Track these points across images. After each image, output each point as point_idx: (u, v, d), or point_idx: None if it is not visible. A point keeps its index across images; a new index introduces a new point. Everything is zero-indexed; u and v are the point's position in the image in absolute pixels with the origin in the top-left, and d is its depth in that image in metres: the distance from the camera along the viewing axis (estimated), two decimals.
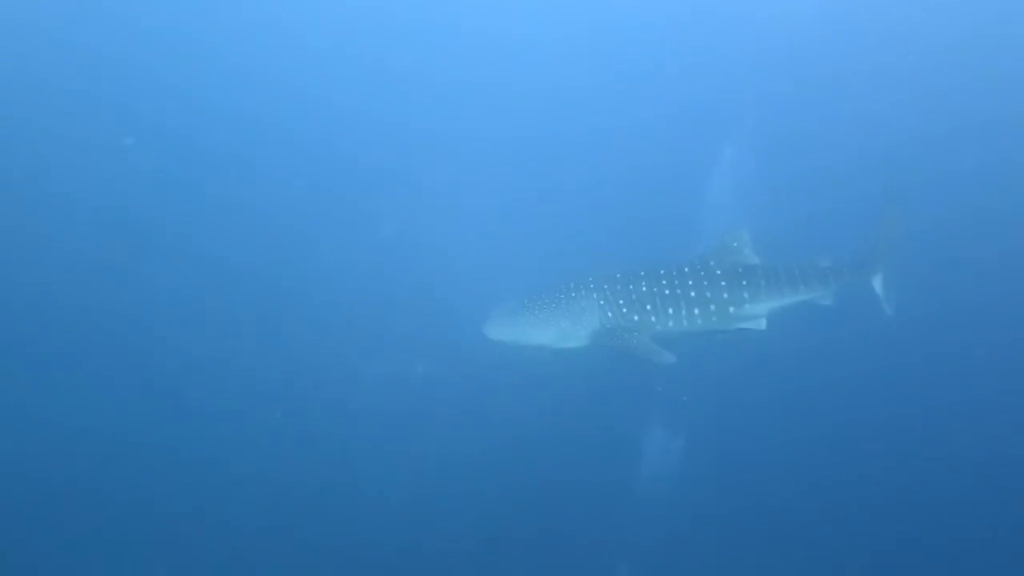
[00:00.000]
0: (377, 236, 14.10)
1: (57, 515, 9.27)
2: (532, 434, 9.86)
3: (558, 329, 8.59)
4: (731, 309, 8.71)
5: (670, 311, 8.66)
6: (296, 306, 12.28)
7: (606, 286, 8.74)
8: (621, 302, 8.68)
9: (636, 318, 8.65)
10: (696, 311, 8.68)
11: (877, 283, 9.26)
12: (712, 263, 8.83)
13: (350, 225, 14.36)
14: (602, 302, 8.69)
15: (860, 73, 17.13)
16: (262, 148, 16.16)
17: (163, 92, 16.66)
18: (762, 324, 8.87)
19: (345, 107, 17.56)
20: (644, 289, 8.70)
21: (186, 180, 14.99)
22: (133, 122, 15.50)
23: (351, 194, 15.13)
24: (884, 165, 14.26)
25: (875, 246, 9.31)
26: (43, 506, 9.29)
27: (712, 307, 8.68)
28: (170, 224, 13.91)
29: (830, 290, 8.92)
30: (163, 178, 14.87)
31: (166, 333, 11.61)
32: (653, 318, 8.66)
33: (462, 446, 9.89)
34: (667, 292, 8.70)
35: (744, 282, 8.72)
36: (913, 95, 16.75)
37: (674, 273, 8.77)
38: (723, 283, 8.72)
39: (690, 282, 8.73)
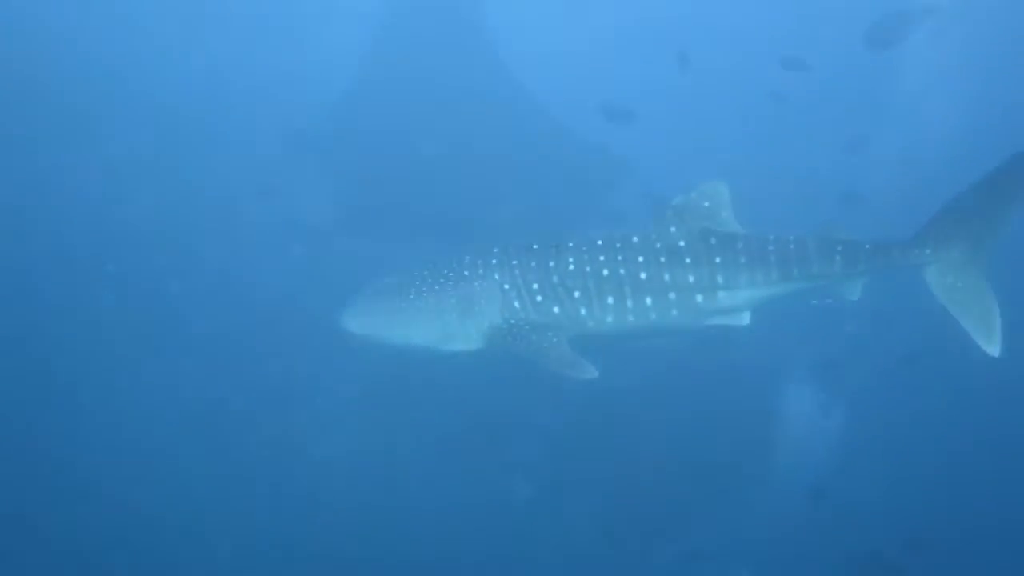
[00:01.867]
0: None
1: None
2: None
3: (440, 324, 5.95)
4: (698, 298, 5.99)
5: (609, 300, 5.96)
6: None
7: (515, 262, 6.06)
8: (536, 286, 6.00)
9: (556, 310, 5.97)
10: (648, 301, 5.97)
11: (934, 278, 5.76)
12: (673, 231, 6.09)
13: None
14: (507, 285, 6.01)
15: None
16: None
17: None
18: (744, 319, 6.14)
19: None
20: (571, 267, 6.00)
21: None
22: None
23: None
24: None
25: (946, 217, 5.72)
26: None
27: (672, 295, 5.98)
28: None
29: (838, 277, 5.94)
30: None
31: None
32: (583, 310, 5.97)
33: None
34: (605, 273, 5.99)
35: (718, 259, 5.98)
36: None
37: (617, 245, 6.05)
38: (688, 260, 5.99)
39: (640, 258, 6.01)
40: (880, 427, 7.68)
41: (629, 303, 5.96)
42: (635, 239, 6.05)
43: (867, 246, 5.88)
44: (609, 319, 5.98)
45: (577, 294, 5.96)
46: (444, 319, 5.94)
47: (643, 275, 5.97)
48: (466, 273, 6.06)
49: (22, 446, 7.56)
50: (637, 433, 7.66)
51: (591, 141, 9.95)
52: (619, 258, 5.99)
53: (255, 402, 8.16)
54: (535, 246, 6.12)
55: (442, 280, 6.06)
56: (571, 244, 6.10)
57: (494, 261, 6.07)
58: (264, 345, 8.21)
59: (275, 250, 9.10)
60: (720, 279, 5.96)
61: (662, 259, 5.99)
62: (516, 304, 5.97)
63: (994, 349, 5.41)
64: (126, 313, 8.76)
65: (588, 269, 5.97)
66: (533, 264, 6.01)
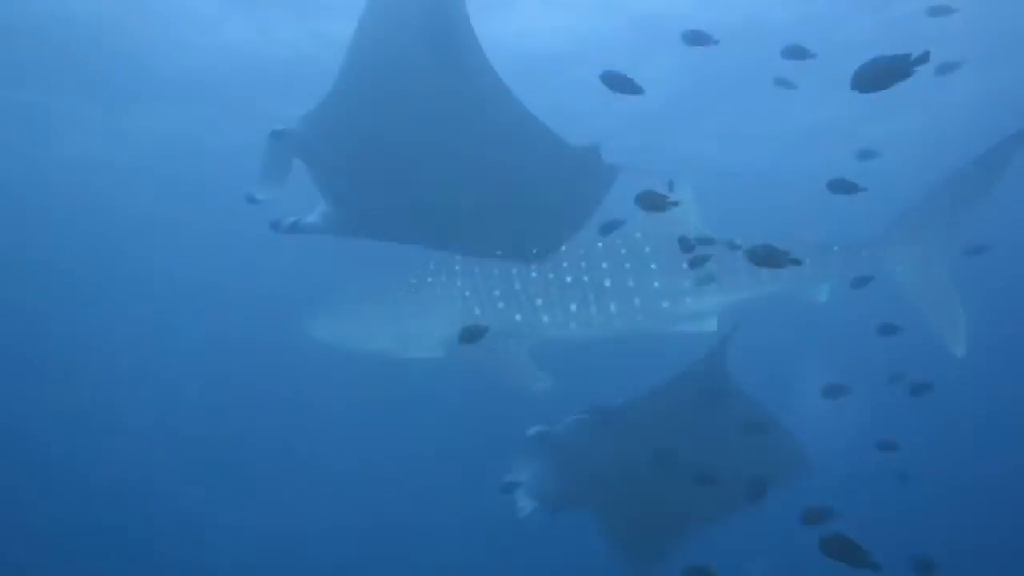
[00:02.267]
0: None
1: None
2: None
3: (401, 330, 5.96)
4: (664, 304, 5.91)
5: (572, 307, 5.91)
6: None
7: (477, 269, 6.04)
8: (497, 293, 5.97)
9: (518, 318, 5.93)
10: (612, 307, 5.92)
11: (901, 277, 5.66)
12: (639, 236, 6.01)
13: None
14: (468, 293, 6.00)
15: None
16: None
17: None
18: (711, 325, 6.03)
19: None
20: (534, 274, 5.96)
21: None
22: None
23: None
24: None
25: (913, 217, 5.64)
26: None
27: (637, 301, 5.90)
28: None
29: (808, 280, 5.83)
30: None
31: None
32: (545, 317, 5.94)
33: None
34: (568, 279, 5.94)
35: (684, 265, 5.86)
36: None
37: (581, 251, 5.99)
38: (653, 266, 5.91)
39: (604, 265, 5.94)
40: (888, 437, 7.43)
41: (593, 310, 5.91)
42: (599, 245, 5.98)
43: (835, 248, 5.80)
44: (572, 326, 5.93)
45: (539, 302, 5.92)
46: (405, 326, 5.95)
47: (607, 282, 5.91)
48: (429, 279, 6.06)
49: (17, 449, 7.79)
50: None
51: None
52: (583, 264, 5.94)
53: (249, 407, 8.24)
54: (498, 251, 6.08)
55: (405, 286, 6.07)
56: (533, 249, 6.04)
57: (457, 267, 6.06)
58: (256, 352, 8.30)
59: (262, 254, 9.15)
60: (687, 284, 5.87)
61: (627, 265, 5.92)
62: (477, 311, 5.95)
63: (959, 349, 5.26)
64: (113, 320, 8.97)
65: (551, 276, 5.93)
66: (495, 271, 5.99)
